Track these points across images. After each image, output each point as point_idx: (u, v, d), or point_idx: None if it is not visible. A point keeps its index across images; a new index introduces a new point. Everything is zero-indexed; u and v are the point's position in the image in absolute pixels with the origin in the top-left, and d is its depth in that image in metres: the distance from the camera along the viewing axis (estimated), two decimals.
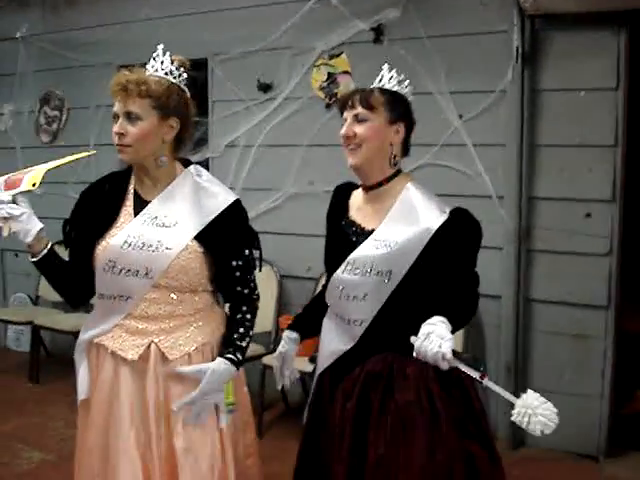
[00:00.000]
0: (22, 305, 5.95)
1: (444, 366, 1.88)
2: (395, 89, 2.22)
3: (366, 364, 2.14)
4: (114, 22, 5.15)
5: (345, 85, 4.38)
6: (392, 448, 2.03)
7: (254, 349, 4.46)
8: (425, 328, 1.91)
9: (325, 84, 4.46)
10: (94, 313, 2.25)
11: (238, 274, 2.21)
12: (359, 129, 2.14)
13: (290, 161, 4.59)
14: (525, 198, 3.92)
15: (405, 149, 2.24)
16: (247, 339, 2.23)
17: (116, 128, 2.10)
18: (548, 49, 3.84)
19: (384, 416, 2.07)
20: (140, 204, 2.18)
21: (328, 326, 2.29)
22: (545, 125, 3.89)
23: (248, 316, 2.24)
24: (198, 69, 4.95)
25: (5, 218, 2.03)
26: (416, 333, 1.93)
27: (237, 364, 2.17)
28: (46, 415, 4.56)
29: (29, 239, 2.07)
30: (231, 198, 2.22)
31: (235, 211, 2.22)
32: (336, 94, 4.42)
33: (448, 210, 2.13)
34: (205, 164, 5.04)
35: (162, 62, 2.16)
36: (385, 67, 2.26)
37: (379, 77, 2.25)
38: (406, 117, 2.21)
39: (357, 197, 2.31)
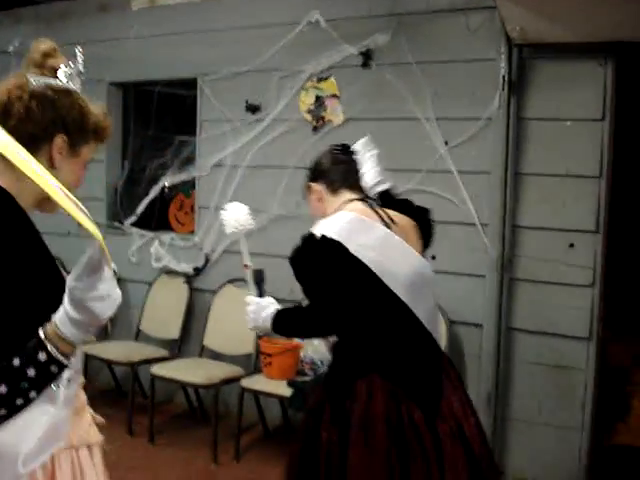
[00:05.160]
0: None
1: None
2: None
3: None
4: (105, 39, 5.14)
5: (332, 108, 4.38)
6: None
7: (233, 371, 4.42)
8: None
9: (313, 107, 4.45)
10: None
11: None
12: None
13: (276, 183, 4.56)
14: (509, 227, 3.89)
15: None
16: None
17: None
18: (535, 78, 3.83)
19: None
20: None
21: None
22: (530, 154, 3.87)
23: None
24: (187, 88, 5.03)
25: None
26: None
27: None
28: None
29: None
30: None
31: None
32: (323, 117, 4.41)
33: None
34: (192, 183, 5.04)
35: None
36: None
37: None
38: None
39: None
